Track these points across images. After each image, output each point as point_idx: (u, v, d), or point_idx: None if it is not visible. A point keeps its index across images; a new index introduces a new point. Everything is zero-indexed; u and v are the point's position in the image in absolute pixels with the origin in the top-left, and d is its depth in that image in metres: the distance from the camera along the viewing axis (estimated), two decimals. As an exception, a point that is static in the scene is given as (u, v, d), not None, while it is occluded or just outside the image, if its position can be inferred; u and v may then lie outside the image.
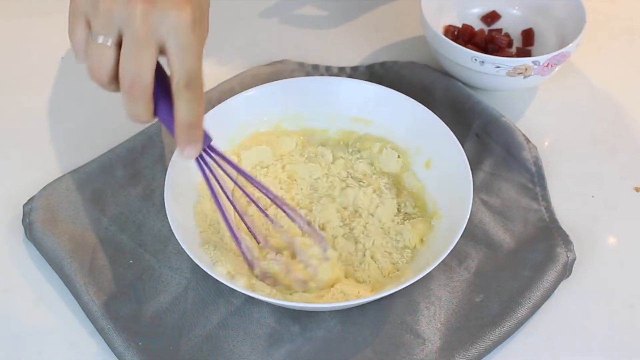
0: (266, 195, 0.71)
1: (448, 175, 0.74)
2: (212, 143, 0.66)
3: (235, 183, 0.73)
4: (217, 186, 0.68)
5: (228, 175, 0.71)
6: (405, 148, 0.79)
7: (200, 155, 0.66)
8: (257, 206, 0.72)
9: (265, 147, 0.79)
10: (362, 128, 0.81)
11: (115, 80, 0.59)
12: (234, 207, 0.71)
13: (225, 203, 0.69)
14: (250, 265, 0.70)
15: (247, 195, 0.71)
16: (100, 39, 0.58)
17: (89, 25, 0.59)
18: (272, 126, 0.80)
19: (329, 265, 0.70)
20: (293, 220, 0.72)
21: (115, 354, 0.68)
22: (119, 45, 0.58)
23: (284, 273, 0.70)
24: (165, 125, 0.62)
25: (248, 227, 0.72)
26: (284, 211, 0.72)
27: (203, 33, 0.61)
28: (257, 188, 0.70)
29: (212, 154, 0.66)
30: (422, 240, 0.73)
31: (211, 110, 0.77)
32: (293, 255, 0.71)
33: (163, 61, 0.60)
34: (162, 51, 0.59)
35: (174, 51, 0.58)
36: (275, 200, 0.71)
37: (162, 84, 0.60)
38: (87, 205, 0.77)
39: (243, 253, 0.70)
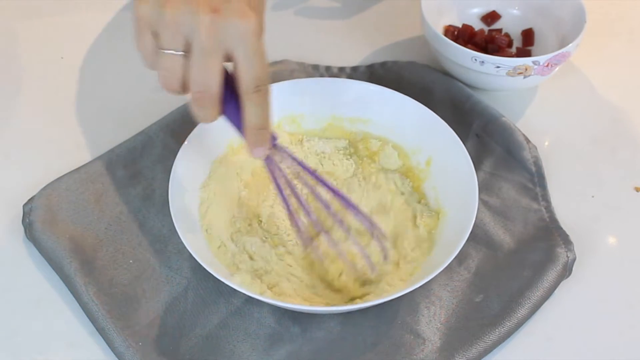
0: (330, 189, 0.71)
1: (450, 172, 0.75)
2: (277, 142, 0.68)
3: (309, 175, 0.72)
4: (283, 181, 0.69)
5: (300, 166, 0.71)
6: (406, 146, 0.79)
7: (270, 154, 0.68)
8: (319, 199, 0.72)
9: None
10: (362, 127, 0.81)
11: (185, 87, 0.61)
12: (298, 199, 0.71)
13: (288, 197, 0.70)
14: (304, 242, 0.72)
15: (310, 190, 0.72)
16: (169, 51, 0.60)
17: (155, 34, 0.60)
18: (274, 126, 0.80)
19: (389, 268, 0.71)
20: (355, 216, 0.71)
21: (115, 354, 0.68)
22: (186, 52, 0.60)
23: (335, 255, 0.71)
24: (232, 126, 0.65)
25: (310, 217, 0.72)
26: (348, 206, 0.71)
27: (263, 35, 0.63)
28: (321, 183, 0.71)
29: (278, 151, 0.68)
30: (430, 234, 0.74)
31: None
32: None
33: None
34: (228, 58, 0.60)
35: (242, 59, 0.60)
36: (337, 193, 0.71)
37: (228, 86, 0.62)
38: (87, 205, 0.77)
39: (297, 226, 0.71)
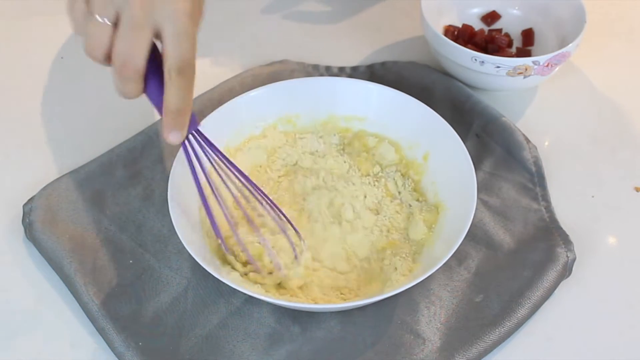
0: (245, 186, 0.70)
1: (448, 166, 0.75)
2: (200, 128, 0.67)
3: (219, 170, 0.71)
4: (200, 171, 0.68)
5: (211, 161, 0.70)
6: (403, 142, 0.79)
7: (188, 139, 0.66)
8: (232, 194, 0.71)
9: (260, 148, 0.79)
10: (358, 125, 0.81)
11: (109, 58, 0.61)
12: (214, 194, 0.69)
13: (206, 189, 0.69)
14: (224, 246, 0.70)
15: (224, 183, 0.70)
16: (98, 18, 0.59)
17: (87, 1, 0.60)
18: (270, 127, 0.80)
19: (300, 269, 0.70)
20: (269, 214, 0.71)
21: (115, 354, 0.68)
22: (116, 24, 0.59)
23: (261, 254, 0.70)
24: (153, 104, 0.63)
25: (224, 213, 0.70)
26: (264, 204, 0.71)
27: (198, 20, 0.62)
28: (238, 178, 0.70)
29: (199, 139, 0.67)
30: (430, 229, 0.74)
31: (214, 112, 0.77)
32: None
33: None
34: (157, 35, 0.60)
35: (169, 38, 0.59)
36: (254, 192, 0.71)
37: (155, 64, 0.61)
38: (87, 205, 0.77)
39: (217, 231, 0.69)
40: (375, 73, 0.90)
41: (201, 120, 0.76)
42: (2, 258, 0.75)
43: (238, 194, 0.72)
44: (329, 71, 0.91)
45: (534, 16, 0.93)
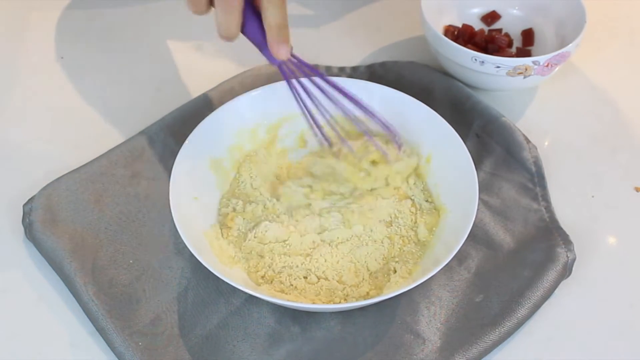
0: (345, 95, 0.74)
1: (450, 168, 0.75)
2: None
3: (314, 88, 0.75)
4: (298, 86, 0.74)
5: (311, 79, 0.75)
6: (405, 144, 0.79)
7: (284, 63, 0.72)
8: (339, 106, 0.75)
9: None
10: (361, 126, 0.81)
11: (210, 3, 0.70)
12: (313, 102, 0.74)
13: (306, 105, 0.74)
14: (326, 141, 0.76)
15: (326, 95, 0.75)
16: None
17: None
18: (270, 128, 0.80)
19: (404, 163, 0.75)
20: (371, 118, 0.75)
21: (115, 354, 0.68)
22: None
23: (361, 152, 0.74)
24: (251, 39, 0.72)
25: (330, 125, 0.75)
26: (365, 111, 0.75)
27: None
28: (335, 87, 0.74)
29: (293, 60, 0.73)
30: (431, 231, 0.74)
31: (214, 112, 0.77)
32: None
33: None
34: None
35: None
36: (354, 100, 0.75)
37: (249, 6, 0.70)
38: (87, 205, 0.77)
39: (320, 131, 0.75)
40: (375, 73, 0.90)
41: (201, 120, 0.76)
42: (2, 258, 0.75)
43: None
44: (329, 71, 0.91)
45: (534, 16, 0.93)
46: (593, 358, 0.70)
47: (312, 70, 0.73)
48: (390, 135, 0.75)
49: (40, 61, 0.93)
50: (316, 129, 0.75)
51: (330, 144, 0.76)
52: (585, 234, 0.77)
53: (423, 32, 0.88)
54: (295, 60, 0.73)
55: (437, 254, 0.70)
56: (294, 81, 0.73)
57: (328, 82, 0.74)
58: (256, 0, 0.70)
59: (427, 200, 0.77)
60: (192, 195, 0.74)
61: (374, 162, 0.74)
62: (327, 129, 0.76)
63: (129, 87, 0.90)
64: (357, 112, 0.76)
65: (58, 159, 0.82)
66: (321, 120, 0.76)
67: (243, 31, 0.71)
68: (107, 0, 0.98)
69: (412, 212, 0.76)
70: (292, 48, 0.72)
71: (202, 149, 0.76)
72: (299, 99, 0.74)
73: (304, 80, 0.74)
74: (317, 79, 0.74)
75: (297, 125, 0.80)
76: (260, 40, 0.71)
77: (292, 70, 0.73)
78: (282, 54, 0.71)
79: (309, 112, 0.74)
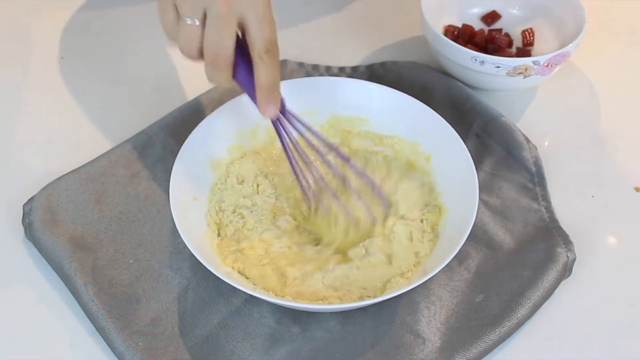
0: (337, 154, 0.75)
1: (450, 167, 0.75)
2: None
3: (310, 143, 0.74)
4: (290, 145, 0.73)
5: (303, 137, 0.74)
6: (406, 144, 0.79)
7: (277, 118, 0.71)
8: (326, 162, 0.75)
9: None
10: (361, 126, 0.81)
11: (201, 53, 0.67)
12: (303, 159, 0.74)
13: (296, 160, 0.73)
14: (307, 198, 0.74)
15: (318, 153, 0.74)
16: (189, 20, 0.66)
17: (176, 8, 0.67)
18: (270, 128, 0.80)
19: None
20: (361, 178, 0.74)
21: (115, 354, 0.68)
22: (204, 23, 0.66)
23: (339, 212, 0.73)
24: (244, 89, 0.70)
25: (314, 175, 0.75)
26: (356, 170, 0.74)
27: (270, 3, 0.69)
28: (328, 147, 0.74)
29: (288, 116, 0.72)
30: (433, 229, 0.74)
31: (214, 112, 0.77)
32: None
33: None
34: (239, 25, 0.67)
35: (254, 24, 0.66)
36: (345, 160, 0.75)
37: (240, 52, 0.68)
38: (87, 205, 0.77)
39: (302, 184, 0.73)
40: (375, 73, 0.90)
41: (201, 121, 0.76)
42: (2, 258, 0.75)
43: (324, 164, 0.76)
44: (329, 71, 0.91)
45: (534, 16, 0.93)
46: (593, 358, 0.70)
47: (304, 126, 0.72)
48: (380, 198, 0.74)
49: (40, 61, 0.93)
50: (301, 183, 0.74)
51: (309, 200, 0.74)
52: (585, 234, 0.77)
53: (423, 32, 0.88)
54: (288, 115, 0.72)
55: (439, 252, 0.70)
56: (284, 134, 0.72)
57: (319, 137, 0.73)
58: (249, 51, 0.68)
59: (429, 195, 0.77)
60: (192, 196, 0.74)
61: (357, 223, 0.73)
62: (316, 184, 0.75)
63: (129, 87, 0.90)
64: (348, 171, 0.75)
65: (58, 159, 0.82)
66: (310, 178, 0.75)
67: (234, 77, 0.69)
68: (107, 0, 0.98)
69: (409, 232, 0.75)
70: (283, 103, 0.71)
71: (202, 149, 0.76)
72: (289, 153, 0.73)
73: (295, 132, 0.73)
74: (309, 134, 0.73)
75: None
76: (251, 91, 0.69)
77: (285, 124, 0.72)
78: (269, 113, 0.70)
79: (299, 168, 0.73)
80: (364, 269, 0.71)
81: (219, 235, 0.74)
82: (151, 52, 0.93)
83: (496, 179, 0.81)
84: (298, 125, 0.72)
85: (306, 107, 0.80)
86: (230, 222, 0.74)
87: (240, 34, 0.68)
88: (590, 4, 0.87)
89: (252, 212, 0.75)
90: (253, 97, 0.69)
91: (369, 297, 0.70)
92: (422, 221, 0.74)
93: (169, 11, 0.67)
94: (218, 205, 0.75)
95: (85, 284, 0.71)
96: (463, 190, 0.72)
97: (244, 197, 0.76)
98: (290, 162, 0.73)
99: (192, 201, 0.73)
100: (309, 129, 0.73)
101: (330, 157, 0.77)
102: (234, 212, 0.75)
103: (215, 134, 0.77)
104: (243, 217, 0.74)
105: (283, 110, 0.71)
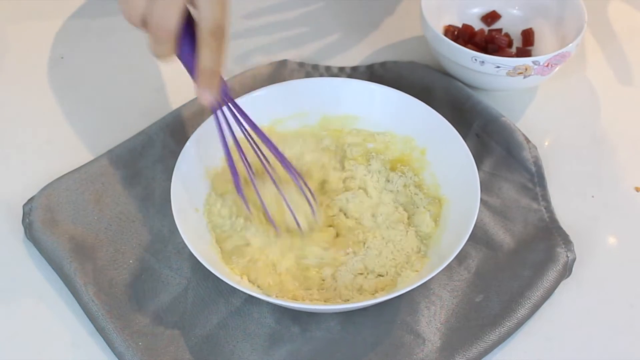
0: (274, 153, 0.72)
1: (451, 168, 0.75)
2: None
3: (247, 137, 0.72)
4: (229, 137, 0.70)
5: (243, 129, 0.72)
6: (407, 144, 0.79)
7: (218, 105, 0.69)
8: (262, 162, 0.72)
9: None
10: (361, 125, 0.81)
11: (145, 23, 0.64)
12: (242, 158, 0.72)
13: (234, 154, 0.71)
14: (238, 190, 0.72)
15: (255, 150, 0.72)
16: None
17: None
18: (270, 127, 0.80)
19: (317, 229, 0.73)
20: (295, 180, 0.72)
21: (115, 354, 0.68)
22: None
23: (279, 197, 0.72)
24: (186, 67, 0.67)
25: (252, 180, 0.72)
26: (290, 172, 0.72)
27: None
28: (266, 145, 0.71)
29: (230, 106, 0.69)
30: (435, 221, 0.74)
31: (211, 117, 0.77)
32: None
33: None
34: (191, 2, 0.64)
35: (203, 3, 0.63)
36: (282, 160, 0.72)
37: (189, 30, 0.65)
38: (87, 205, 0.77)
39: (235, 176, 0.71)
40: (375, 73, 0.90)
41: (201, 121, 0.76)
42: (2, 258, 0.75)
43: (264, 160, 0.73)
44: (329, 71, 0.91)
45: (534, 16, 0.93)
46: (593, 358, 0.70)
47: (242, 116, 0.70)
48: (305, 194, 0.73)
49: (41, 61, 0.93)
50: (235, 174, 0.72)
51: (254, 175, 0.72)
52: (585, 234, 0.77)
53: (423, 32, 0.88)
54: (227, 102, 0.69)
55: (439, 252, 0.70)
56: (221, 120, 0.70)
57: (258, 133, 0.71)
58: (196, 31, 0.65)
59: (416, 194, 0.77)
60: (193, 195, 0.74)
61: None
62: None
63: (129, 87, 0.90)
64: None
65: (58, 159, 0.82)
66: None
67: (178, 54, 0.66)
68: (107, 0, 0.98)
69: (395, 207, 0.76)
70: (227, 90, 0.68)
71: (202, 150, 0.76)
72: (226, 144, 0.70)
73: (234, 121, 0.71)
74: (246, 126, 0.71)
75: (297, 125, 0.80)
76: (193, 72, 0.66)
77: (227, 114, 0.70)
78: (205, 100, 0.66)
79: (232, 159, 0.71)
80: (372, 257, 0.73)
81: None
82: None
83: (496, 179, 0.81)
84: (240, 117, 0.70)
85: (306, 107, 0.80)
86: (229, 237, 0.73)
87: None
88: (590, 4, 0.87)
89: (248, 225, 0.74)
90: (195, 77, 0.66)
91: (372, 294, 0.70)
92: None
93: None
94: (213, 219, 0.75)
95: (85, 284, 0.71)
96: (464, 189, 0.72)
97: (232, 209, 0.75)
98: (226, 153, 0.70)
99: (192, 201, 0.73)
100: (249, 122, 0.71)
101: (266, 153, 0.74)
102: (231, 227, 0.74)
103: (215, 135, 0.77)
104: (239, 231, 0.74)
105: (226, 99, 0.69)
